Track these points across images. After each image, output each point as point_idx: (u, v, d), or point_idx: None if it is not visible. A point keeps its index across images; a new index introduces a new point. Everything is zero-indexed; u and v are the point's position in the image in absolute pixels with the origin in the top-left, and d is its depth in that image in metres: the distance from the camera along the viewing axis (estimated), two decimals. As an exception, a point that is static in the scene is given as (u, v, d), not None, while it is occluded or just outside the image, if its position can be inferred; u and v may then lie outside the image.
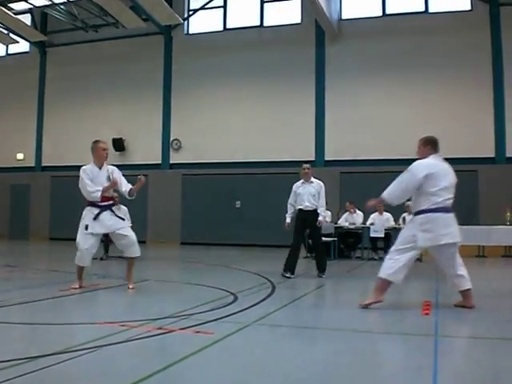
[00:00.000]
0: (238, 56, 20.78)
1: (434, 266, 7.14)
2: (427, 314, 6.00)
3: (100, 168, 7.66)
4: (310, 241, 11.85)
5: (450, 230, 6.14)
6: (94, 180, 7.54)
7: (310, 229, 10.37)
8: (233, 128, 20.53)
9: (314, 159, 19.02)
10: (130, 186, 7.71)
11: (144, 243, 17.95)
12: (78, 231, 7.53)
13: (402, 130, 18.32)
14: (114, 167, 7.81)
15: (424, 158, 6.36)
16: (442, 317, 5.78)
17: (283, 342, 4.68)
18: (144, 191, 18.96)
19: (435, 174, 6.15)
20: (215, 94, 20.94)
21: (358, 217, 14.95)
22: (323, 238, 13.71)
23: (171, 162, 21.53)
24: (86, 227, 7.47)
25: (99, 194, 7.46)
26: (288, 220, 10.21)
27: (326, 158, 19.32)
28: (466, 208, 15.63)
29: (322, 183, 10.33)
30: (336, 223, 15.03)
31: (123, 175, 7.78)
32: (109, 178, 7.61)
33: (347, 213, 15.27)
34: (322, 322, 5.73)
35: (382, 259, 13.89)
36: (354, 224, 14.81)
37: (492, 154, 17.81)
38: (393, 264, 6.23)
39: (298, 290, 8.23)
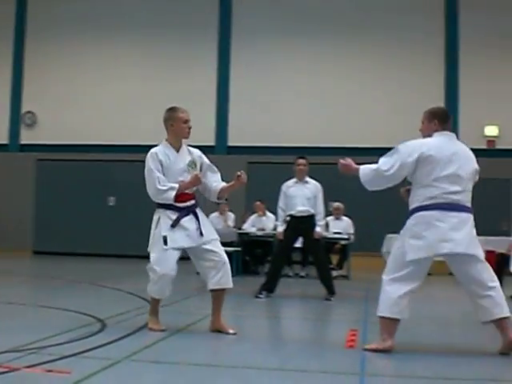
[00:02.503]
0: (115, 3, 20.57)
1: (364, 286, 7.30)
2: (352, 346, 6.15)
3: (178, 150, 6.71)
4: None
5: (454, 234, 5.70)
6: (168, 169, 6.56)
7: (305, 239, 10.39)
8: (107, 100, 20.24)
9: (213, 144, 19.07)
10: (222, 183, 6.82)
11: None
12: (151, 245, 6.65)
13: (333, 110, 18.80)
14: (199, 151, 6.92)
15: (428, 136, 6.08)
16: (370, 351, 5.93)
17: (165, 384, 4.65)
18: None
19: (432, 157, 5.78)
20: (86, 51, 20.58)
21: (269, 220, 15.08)
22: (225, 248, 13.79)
23: (22, 141, 20.98)
24: (165, 240, 6.48)
25: (173, 194, 6.45)
26: (280, 229, 10.33)
27: (229, 144, 19.42)
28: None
29: (319, 185, 10.42)
30: (240, 228, 15.13)
31: None
32: (192, 165, 6.68)
33: (255, 215, 15.39)
34: (219, 357, 5.75)
35: (298, 276, 14.38)
36: (264, 230, 14.93)
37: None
38: (392, 296, 5.80)
39: (188, 314, 8.22)
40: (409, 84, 18.96)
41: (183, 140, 6.81)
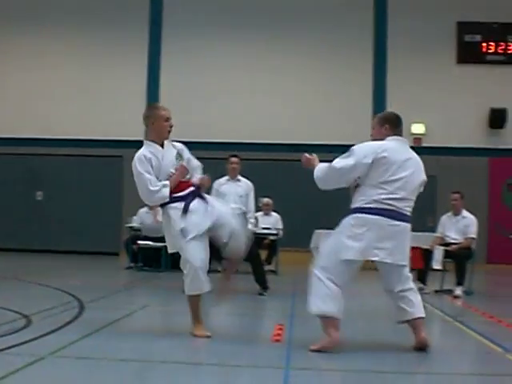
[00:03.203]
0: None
1: (292, 280, 7.37)
2: (278, 340, 6.21)
3: (162, 146, 6.54)
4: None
5: (388, 243, 5.70)
6: (158, 167, 6.38)
7: None
8: (31, 91, 19.77)
9: (142, 139, 18.84)
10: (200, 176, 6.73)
11: None
12: (174, 244, 6.36)
13: (264, 106, 18.87)
14: (182, 144, 6.78)
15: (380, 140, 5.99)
16: (296, 344, 5.99)
17: (91, 380, 4.62)
18: None
19: (386, 159, 5.73)
20: (8, 38, 20.15)
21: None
22: (147, 243, 13.75)
23: None
24: (184, 232, 6.20)
25: (167, 190, 6.28)
26: None
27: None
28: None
29: (250, 183, 10.48)
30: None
31: None
32: (179, 157, 6.55)
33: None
34: (146, 352, 5.72)
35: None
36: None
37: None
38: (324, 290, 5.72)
39: (115, 310, 8.16)
40: (339, 82, 19.12)
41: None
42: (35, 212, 19.72)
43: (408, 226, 5.87)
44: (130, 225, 15.10)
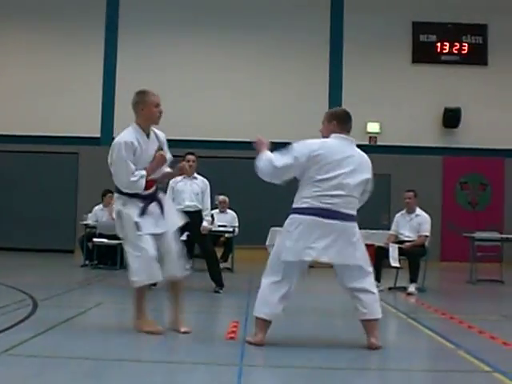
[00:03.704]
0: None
1: (248, 278, 7.39)
2: (232, 338, 6.24)
3: (148, 136, 6.46)
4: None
5: (321, 243, 5.66)
6: (140, 158, 6.29)
7: (192, 234, 10.35)
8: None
9: (98, 136, 18.75)
10: (167, 169, 6.68)
11: None
12: (124, 234, 6.34)
13: (220, 104, 18.99)
14: (164, 135, 6.72)
15: (327, 138, 5.97)
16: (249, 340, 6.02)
17: (42, 379, 4.59)
18: None
19: (320, 156, 5.69)
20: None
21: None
22: (102, 240, 13.66)
23: None
24: (137, 226, 6.17)
25: (143, 182, 6.23)
26: None
27: (115, 135, 19.07)
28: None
29: (206, 181, 10.52)
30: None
31: None
32: (159, 151, 6.47)
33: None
34: (99, 350, 5.69)
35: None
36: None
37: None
38: (268, 298, 5.81)
39: (69, 308, 8.11)
40: (296, 82, 19.23)
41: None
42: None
43: (348, 224, 5.77)
44: (85, 222, 14.98)
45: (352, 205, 5.83)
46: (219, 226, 14.33)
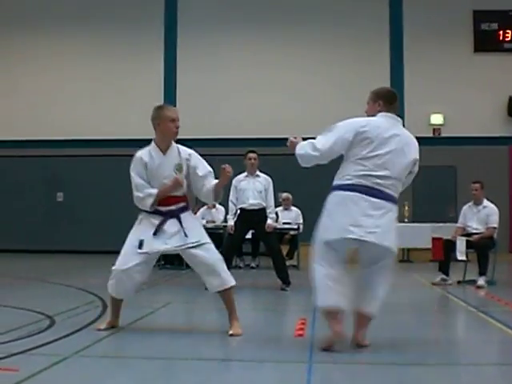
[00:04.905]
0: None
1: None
2: (301, 335, 6.22)
3: (165, 152, 6.38)
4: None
5: (366, 220, 5.35)
6: (152, 174, 6.27)
7: (257, 232, 10.53)
8: (50, 94, 19.93)
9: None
10: (213, 181, 6.37)
11: None
12: (125, 244, 6.36)
13: (280, 100, 18.97)
14: (192, 151, 6.49)
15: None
16: (319, 338, 5.95)
17: (114, 379, 4.64)
18: None
19: (366, 133, 5.47)
20: (25, 42, 20.26)
21: (219, 213, 15.10)
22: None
23: (-34, 139, 20.58)
24: (141, 244, 6.19)
25: (150, 201, 6.21)
26: (231, 222, 10.40)
27: (177, 137, 19.25)
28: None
29: (269, 178, 10.53)
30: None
31: None
32: (179, 169, 6.31)
33: (204, 207, 15.37)
34: (169, 350, 5.73)
35: (249, 267, 14.42)
36: (214, 222, 14.94)
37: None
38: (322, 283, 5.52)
39: (139, 308, 8.18)
40: (355, 74, 19.08)
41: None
42: (56, 213, 19.86)
43: (390, 205, 5.50)
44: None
45: (396, 187, 5.55)
46: (284, 223, 14.32)
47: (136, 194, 6.29)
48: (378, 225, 5.37)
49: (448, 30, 19.02)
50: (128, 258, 6.24)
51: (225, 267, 6.32)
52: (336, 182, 5.59)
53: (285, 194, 15.40)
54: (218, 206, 15.14)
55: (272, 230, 10.41)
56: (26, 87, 20.13)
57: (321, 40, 19.40)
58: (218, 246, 15.38)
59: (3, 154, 20.05)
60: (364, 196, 5.37)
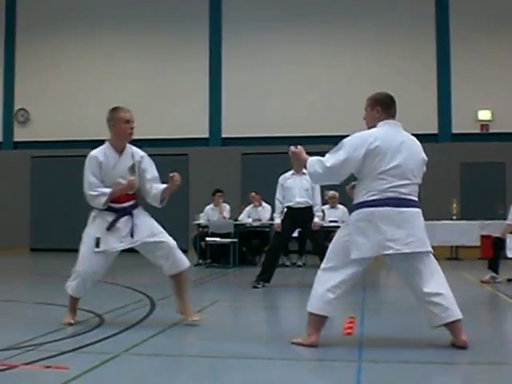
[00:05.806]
0: None
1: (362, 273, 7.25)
2: (350, 333, 6.17)
3: (120, 153, 6.57)
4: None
5: (400, 233, 5.34)
6: (107, 173, 6.43)
7: (304, 230, 10.55)
8: (101, 95, 20.14)
9: (207, 136, 19.00)
10: (162, 186, 6.67)
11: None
12: (82, 243, 6.51)
13: (326, 98, 18.85)
14: (145, 154, 6.81)
15: (373, 126, 5.67)
16: (367, 337, 5.94)
17: (164, 377, 4.65)
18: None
19: (379, 148, 5.39)
20: (79, 47, 20.51)
21: (265, 211, 15.08)
22: (215, 239, 13.81)
23: (15, 139, 20.91)
24: (98, 242, 6.38)
25: (103, 200, 6.37)
26: (278, 220, 10.42)
27: (224, 135, 19.35)
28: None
29: None
30: (236, 220, 15.12)
31: None
32: (133, 170, 6.55)
33: (251, 206, 15.40)
34: (217, 348, 5.73)
35: (295, 265, 14.39)
36: (260, 220, 14.94)
37: (435, 130, 18.60)
38: (322, 291, 5.53)
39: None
40: (400, 71, 18.92)
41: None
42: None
43: (417, 210, 5.50)
44: (197, 222, 15.21)
45: (416, 190, 5.56)
46: (330, 221, 14.24)
47: (89, 192, 6.43)
48: (412, 233, 5.39)
49: (495, 22, 18.68)
50: (91, 259, 6.41)
51: (179, 251, 6.56)
52: (359, 199, 5.55)
53: (331, 192, 15.31)
54: (263, 204, 15.16)
55: (319, 229, 10.39)
56: (79, 91, 20.38)
57: (365, 39, 19.27)
58: (264, 245, 15.53)
59: (52, 154, 20.31)
60: (394, 208, 5.37)
